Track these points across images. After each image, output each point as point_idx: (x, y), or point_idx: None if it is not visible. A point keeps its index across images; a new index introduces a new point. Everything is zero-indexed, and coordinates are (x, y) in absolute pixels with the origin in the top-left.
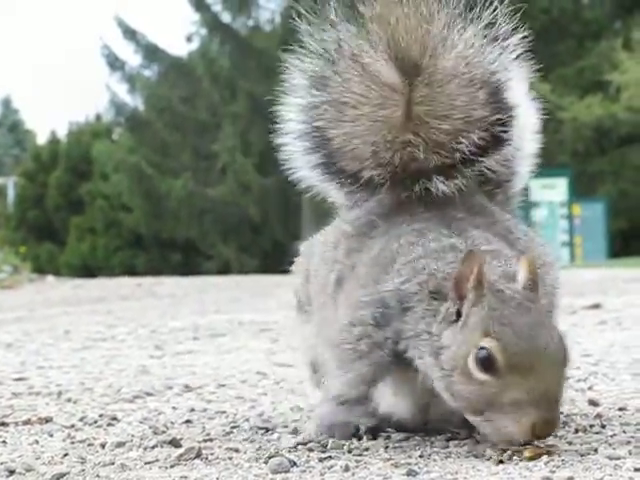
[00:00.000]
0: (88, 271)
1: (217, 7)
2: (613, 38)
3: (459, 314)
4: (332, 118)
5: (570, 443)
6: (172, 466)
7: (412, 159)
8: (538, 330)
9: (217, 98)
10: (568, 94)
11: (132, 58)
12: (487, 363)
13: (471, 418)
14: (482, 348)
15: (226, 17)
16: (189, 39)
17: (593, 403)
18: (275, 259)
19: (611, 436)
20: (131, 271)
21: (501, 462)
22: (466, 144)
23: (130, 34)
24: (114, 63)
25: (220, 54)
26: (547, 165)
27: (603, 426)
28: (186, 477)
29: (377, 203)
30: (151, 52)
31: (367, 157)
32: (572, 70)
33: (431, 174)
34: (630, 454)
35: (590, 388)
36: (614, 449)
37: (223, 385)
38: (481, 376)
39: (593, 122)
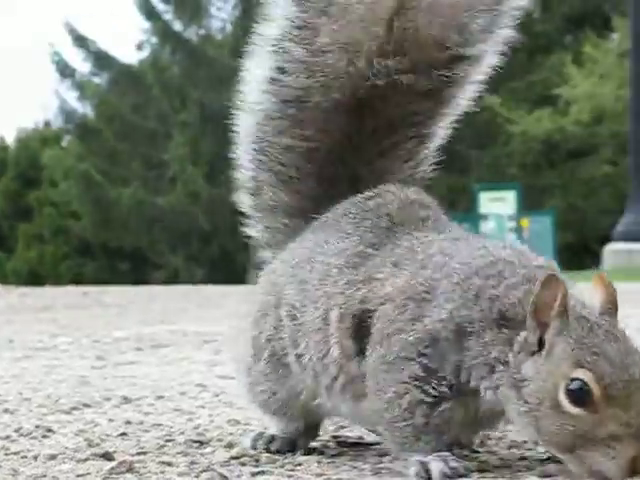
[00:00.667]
0: (36, 279)
1: (168, 15)
2: (563, 52)
3: (541, 343)
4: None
5: (502, 459)
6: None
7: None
8: (630, 358)
9: (167, 107)
10: (518, 107)
11: (82, 65)
12: (581, 395)
13: (560, 455)
14: (575, 379)
15: (177, 26)
16: (140, 47)
17: None
18: (223, 269)
19: (544, 452)
20: (79, 279)
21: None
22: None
23: (80, 41)
24: (64, 70)
25: (171, 62)
26: (496, 178)
27: (537, 443)
28: None
29: (360, 236)
30: (101, 59)
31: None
32: (522, 83)
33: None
34: (562, 472)
35: None
36: (546, 466)
37: (162, 397)
38: (574, 410)
39: (542, 135)
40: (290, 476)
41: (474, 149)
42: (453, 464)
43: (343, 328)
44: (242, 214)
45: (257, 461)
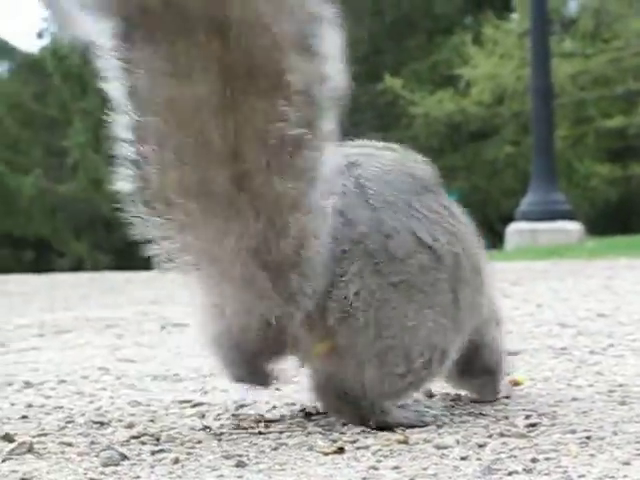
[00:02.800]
0: None
1: None
2: (463, 33)
3: None
4: None
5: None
6: (3, 461)
7: None
8: None
9: (67, 94)
10: (420, 89)
11: None
12: None
13: None
14: None
15: None
16: (40, 35)
17: (428, 394)
18: (128, 256)
19: (439, 426)
20: None
21: (330, 453)
22: None
23: None
24: None
25: (71, 50)
26: None
27: (433, 417)
28: (16, 471)
29: None
30: (1, 49)
31: None
32: (425, 65)
33: None
34: (458, 443)
35: None
36: (442, 438)
37: (64, 381)
38: None
39: (444, 117)
40: (189, 453)
41: (376, 132)
42: None
43: None
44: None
45: (157, 440)
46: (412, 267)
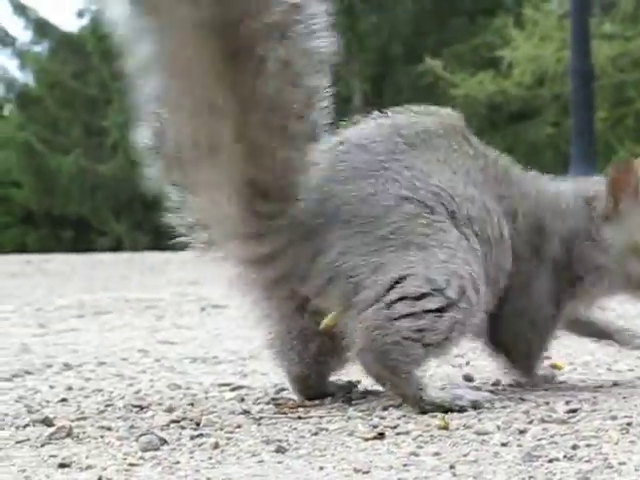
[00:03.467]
0: None
1: None
2: (505, 15)
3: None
4: None
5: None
6: (42, 445)
7: None
8: None
9: (107, 74)
10: (462, 71)
11: (22, 34)
12: None
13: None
14: None
15: None
16: (80, 14)
17: (467, 379)
18: (167, 236)
19: (480, 412)
20: (22, 248)
21: (370, 439)
22: None
23: (20, 10)
24: (4, 39)
25: (110, 30)
26: None
27: (471, 402)
28: (55, 456)
29: None
30: (42, 28)
31: None
32: (466, 47)
33: None
34: (498, 429)
35: (468, 363)
36: (483, 424)
37: (103, 363)
38: None
39: (484, 98)
40: (229, 438)
41: None
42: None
43: None
44: None
45: (197, 424)
46: (398, 217)
